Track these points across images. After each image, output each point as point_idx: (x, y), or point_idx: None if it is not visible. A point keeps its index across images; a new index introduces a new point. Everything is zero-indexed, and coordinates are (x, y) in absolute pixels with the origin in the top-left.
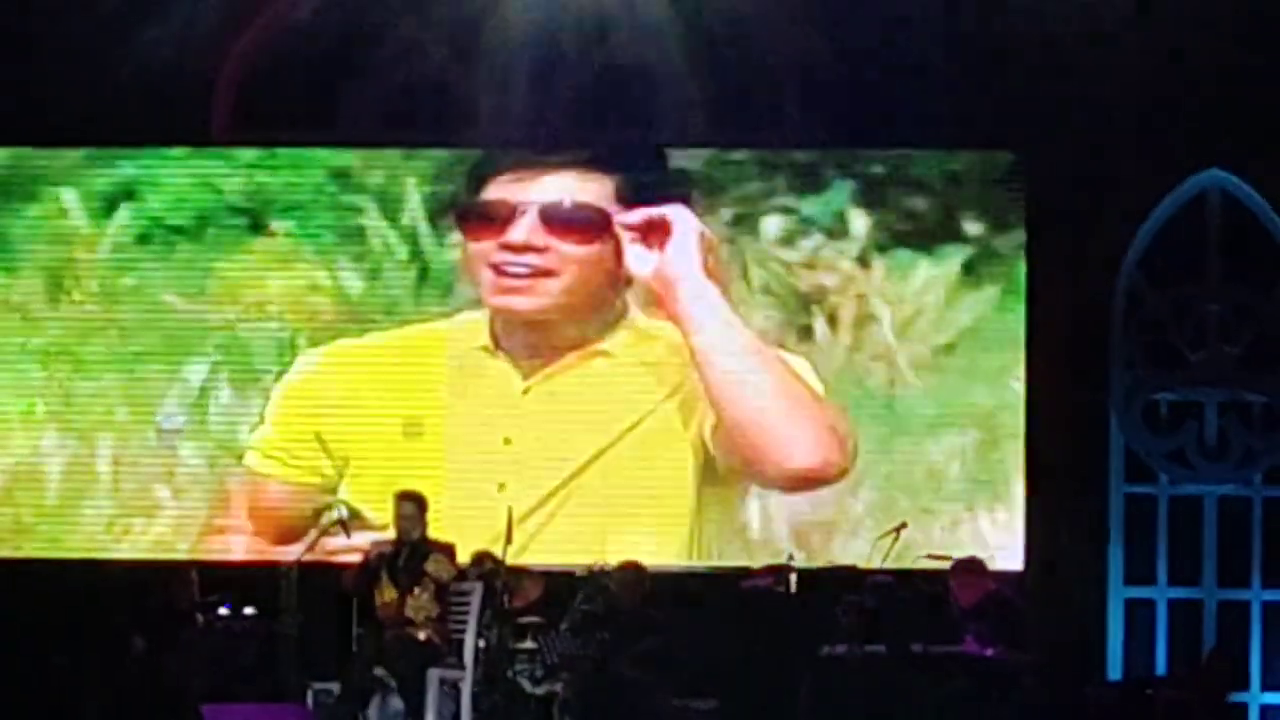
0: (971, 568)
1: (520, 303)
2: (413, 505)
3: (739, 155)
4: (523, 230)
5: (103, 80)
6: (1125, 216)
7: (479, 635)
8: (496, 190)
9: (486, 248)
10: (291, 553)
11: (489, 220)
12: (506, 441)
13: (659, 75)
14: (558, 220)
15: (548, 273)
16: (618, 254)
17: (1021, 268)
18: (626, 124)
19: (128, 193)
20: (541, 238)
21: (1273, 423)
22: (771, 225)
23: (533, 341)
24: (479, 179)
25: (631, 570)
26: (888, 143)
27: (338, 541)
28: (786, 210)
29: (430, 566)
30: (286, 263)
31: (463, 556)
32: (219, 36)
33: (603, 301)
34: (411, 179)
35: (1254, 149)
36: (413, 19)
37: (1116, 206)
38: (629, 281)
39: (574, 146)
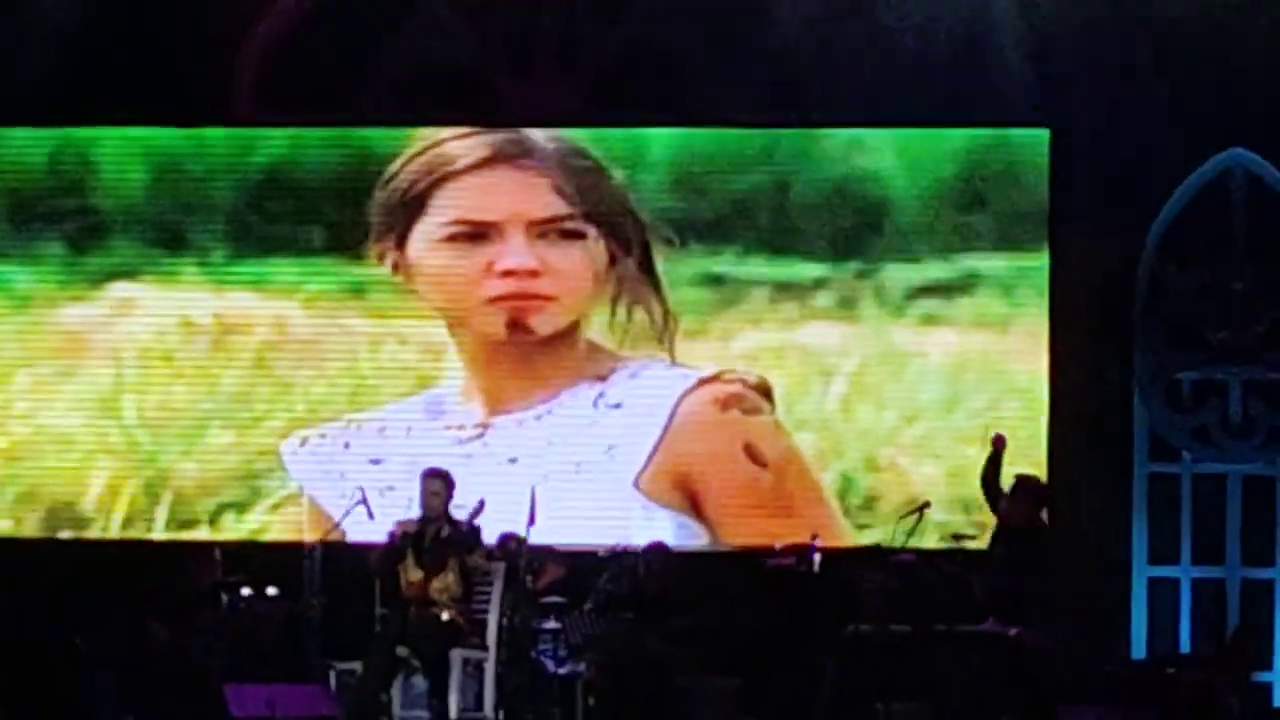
0: (1033, 488)
1: None
2: (441, 482)
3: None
4: None
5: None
6: (1148, 195)
7: (502, 615)
8: None
9: None
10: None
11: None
12: None
13: (683, 52)
14: None
15: None
16: None
17: (1045, 246)
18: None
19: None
20: None
21: None
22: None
23: None
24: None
25: (656, 551)
26: (915, 119)
27: None
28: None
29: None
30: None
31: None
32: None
33: None
34: None
35: (1277, 128)
36: None
37: (1140, 185)
38: None
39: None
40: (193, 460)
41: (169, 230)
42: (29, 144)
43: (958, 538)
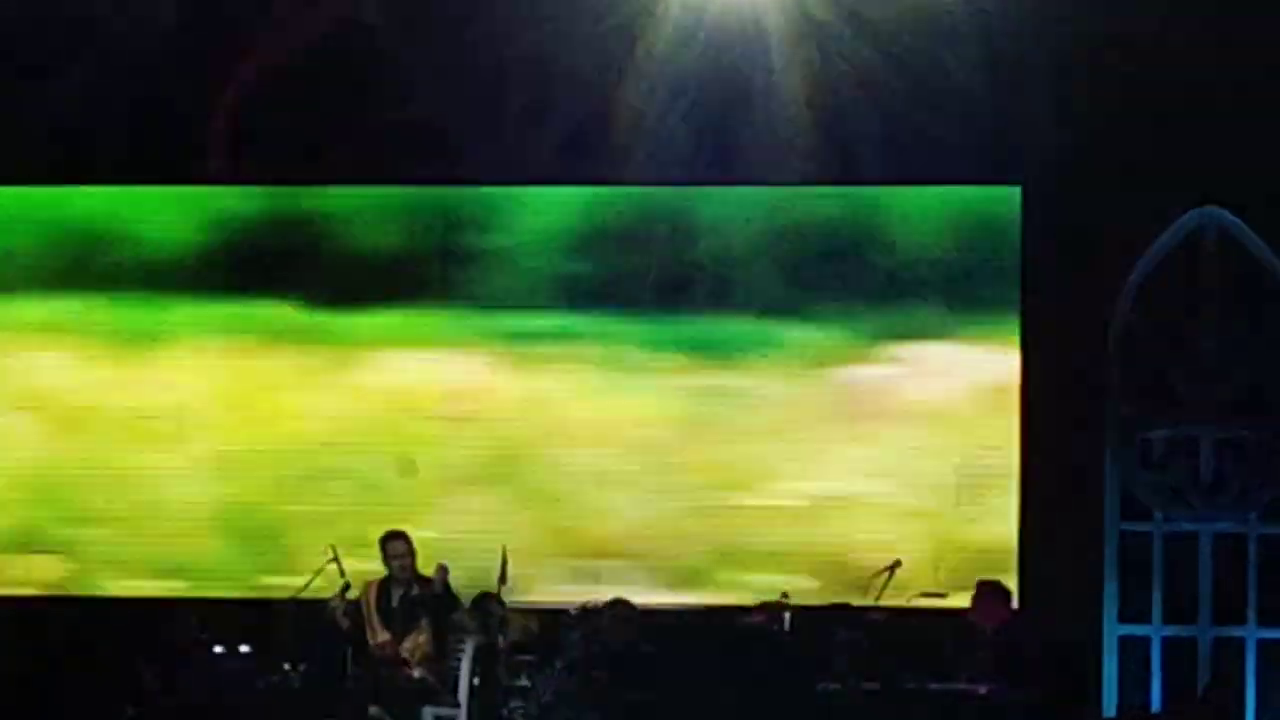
0: (996, 591)
1: None
2: (403, 544)
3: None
4: None
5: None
6: (1121, 252)
7: (473, 673)
8: None
9: None
10: None
11: None
12: None
13: (652, 113)
14: None
15: None
16: None
17: (1017, 303)
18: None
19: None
20: None
21: (1268, 459)
22: None
23: None
24: None
25: (621, 608)
26: (887, 177)
27: None
28: None
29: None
30: None
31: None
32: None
33: None
34: None
35: (1249, 186)
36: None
37: (1112, 242)
38: None
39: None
40: None
41: None
42: None
43: (927, 595)
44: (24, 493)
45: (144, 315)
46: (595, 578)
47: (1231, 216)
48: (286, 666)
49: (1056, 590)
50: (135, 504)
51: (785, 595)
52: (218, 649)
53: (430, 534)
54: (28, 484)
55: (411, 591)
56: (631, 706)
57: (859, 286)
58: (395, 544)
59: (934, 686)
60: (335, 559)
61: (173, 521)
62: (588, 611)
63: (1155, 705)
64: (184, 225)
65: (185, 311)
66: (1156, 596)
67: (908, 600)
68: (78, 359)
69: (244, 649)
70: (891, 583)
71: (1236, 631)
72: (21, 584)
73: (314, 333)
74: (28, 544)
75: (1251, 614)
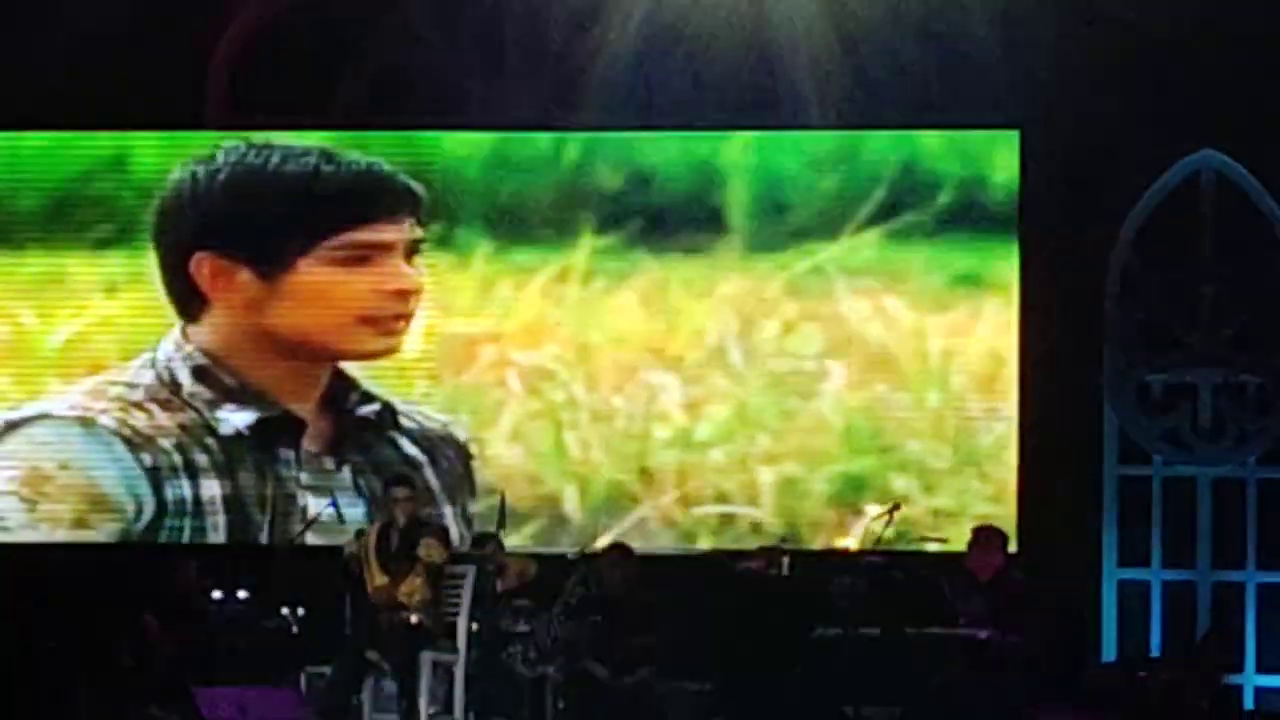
0: (992, 537)
1: None
2: (406, 489)
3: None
4: None
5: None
6: (1119, 197)
7: (472, 618)
8: None
9: None
10: None
11: None
12: None
13: (653, 56)
14: None
15: None
16: None
17: (1015, 248)
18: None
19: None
20: None
21: (1267, 404)
22: None
23: None
24: None
25: (618, 553)
26: (885, 121)
27: None
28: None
29: (421, 551)
30: None
31: None
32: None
33: None
34: None
35: (1247, 129)
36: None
37: (1110, 187)
38: None
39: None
40: None
41: None
42: None
43: (926, 539)
44: None
45: None
46: None
47: (1230, 160)
48: (284, 612)
49: (1056, 535)
50: None
51: (784, 540)
52: (216, 594)
53: None
54: None
55: (408, 537)
56: (629, 652)
57: (854, 228)
58: (398, 489)
59: (933, 631)
60: (334, 504)
61: None
62: (586, 556)
63: (1155, 650)
64: None
65: None
66: (1156, 541)
67: (907, 543)
68: None
69: (242, 594)
70: (890, 526)
71: (1236, 575)
72: None
73: None
74: None
75: (1251, 557)
